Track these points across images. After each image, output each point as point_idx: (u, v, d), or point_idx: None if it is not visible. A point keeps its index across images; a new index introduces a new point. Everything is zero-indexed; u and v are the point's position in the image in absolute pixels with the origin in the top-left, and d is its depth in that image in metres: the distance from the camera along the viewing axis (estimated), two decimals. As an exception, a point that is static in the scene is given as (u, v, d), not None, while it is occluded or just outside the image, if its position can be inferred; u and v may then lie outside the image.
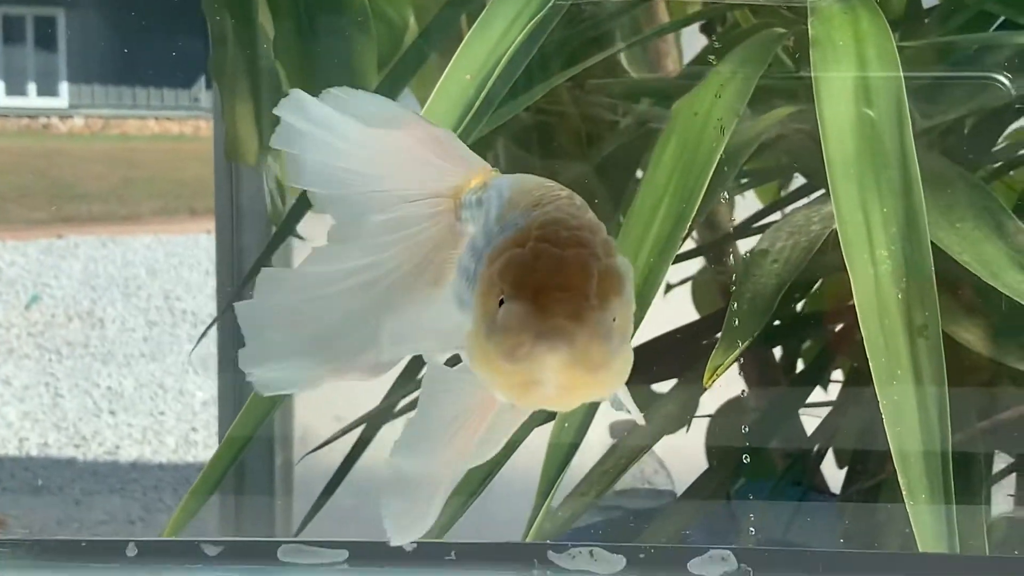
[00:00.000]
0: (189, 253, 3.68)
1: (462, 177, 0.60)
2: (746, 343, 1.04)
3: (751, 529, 1.12)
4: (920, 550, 0.98)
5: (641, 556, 0.94)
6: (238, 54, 1.45)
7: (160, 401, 2.82)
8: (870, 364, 0.94)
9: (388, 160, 0.61)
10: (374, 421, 1.30)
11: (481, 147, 1.29)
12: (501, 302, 0.53)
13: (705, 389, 1.04)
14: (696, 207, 1.12)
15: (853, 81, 1.06)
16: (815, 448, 1.23)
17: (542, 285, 0.52)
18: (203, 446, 2.62)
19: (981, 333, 1.18)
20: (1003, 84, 1.22)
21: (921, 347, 0.95)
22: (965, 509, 1.21)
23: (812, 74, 1.07)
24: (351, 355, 0.61)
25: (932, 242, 1.07)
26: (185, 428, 2.67)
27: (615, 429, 1.29)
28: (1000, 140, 1.34)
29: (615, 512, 1.29)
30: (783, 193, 1.35)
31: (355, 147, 0.61)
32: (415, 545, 0.92)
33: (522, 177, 0.59)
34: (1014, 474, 1.21)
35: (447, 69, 1.05)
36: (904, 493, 1.02)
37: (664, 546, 0.93)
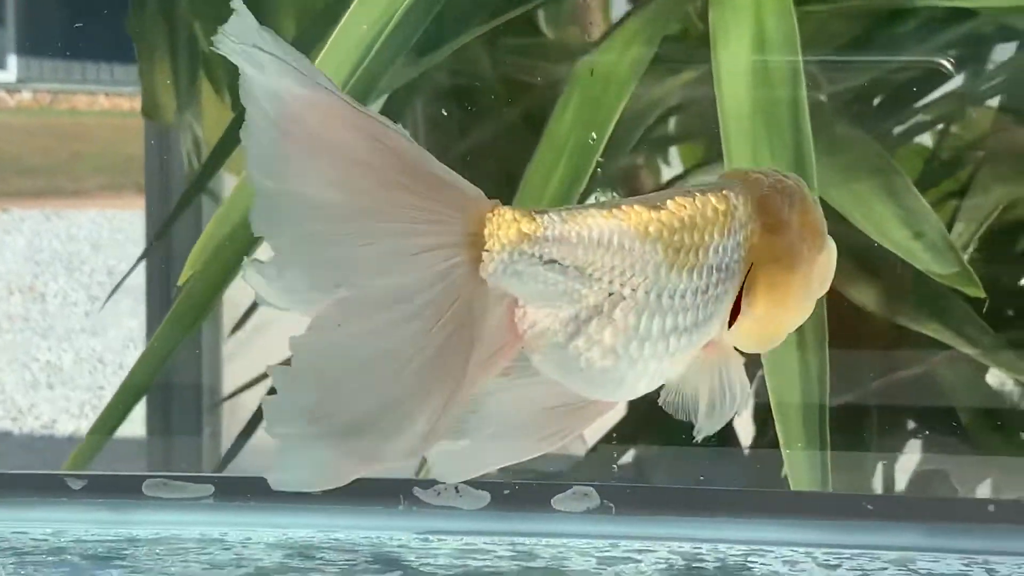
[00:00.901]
0: (134, 228, 3.65)
1: (469, 216, 0.55)
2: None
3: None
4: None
5: (506, 492, 0.95)
6: (157, 13, 1.45)
7: (99, 375, 2.80)
8: None
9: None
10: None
11: (397, 107, 1.29)
12: None
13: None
14: (592, 165, 1.13)
15: (750, 39, 1.07)
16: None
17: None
18: (141, 421, 2.61)
19: (876, 295, 1.19)
20: (947, 69, 1.24)
21: None
22: (854, 456, 1.23)
23: (711, 32, 1.08)
24: (381, 444, 0.55)
25: (827, 202, 1.08)
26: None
27: None
28: (918, 107, 1.35)
29: (528, 475, 1.30)
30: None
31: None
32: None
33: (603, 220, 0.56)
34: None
35: (343, 19, 1.05)
36: (781, 441, 1.04)
37: (528, 483, 0.94)
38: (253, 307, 1.36)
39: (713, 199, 0.59)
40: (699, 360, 0.59)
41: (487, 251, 0.54)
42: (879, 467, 1.32)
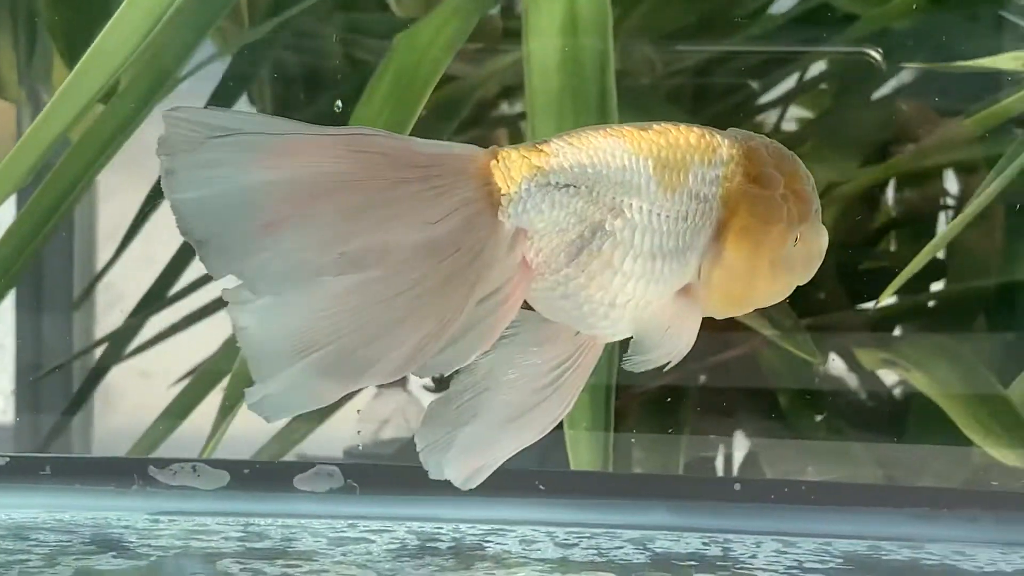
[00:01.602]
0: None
1: (468, 174, 0.59)
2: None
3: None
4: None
5: (246, 472, 0.93)
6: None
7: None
8: None
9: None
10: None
11: (239, 83, 1.27)
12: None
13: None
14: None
15: (560, 21, 1.06)
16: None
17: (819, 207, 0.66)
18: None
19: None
20: (875, 59, 1.23)
21: None
22: (664, 438, 1.23)
23: (523, 12, 1.07)
24: (368, 366, 0.58)
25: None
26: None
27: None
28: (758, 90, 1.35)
29: (375, 458, 1.29)
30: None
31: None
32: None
33: (602, 139, 0.61)
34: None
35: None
36: (564, 422, 1.03)
37: (270, 462, 0.92)
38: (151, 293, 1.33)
39: (696, 130, 0.64)
40: (672, 301, 0.63)
41: (504, 195, 0.59)
42: (682, 448, 1.32)
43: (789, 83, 1.37)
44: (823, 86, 1.43)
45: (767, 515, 0.96)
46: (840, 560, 0.91)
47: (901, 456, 1.31)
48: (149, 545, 0.85)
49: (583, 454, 1.05)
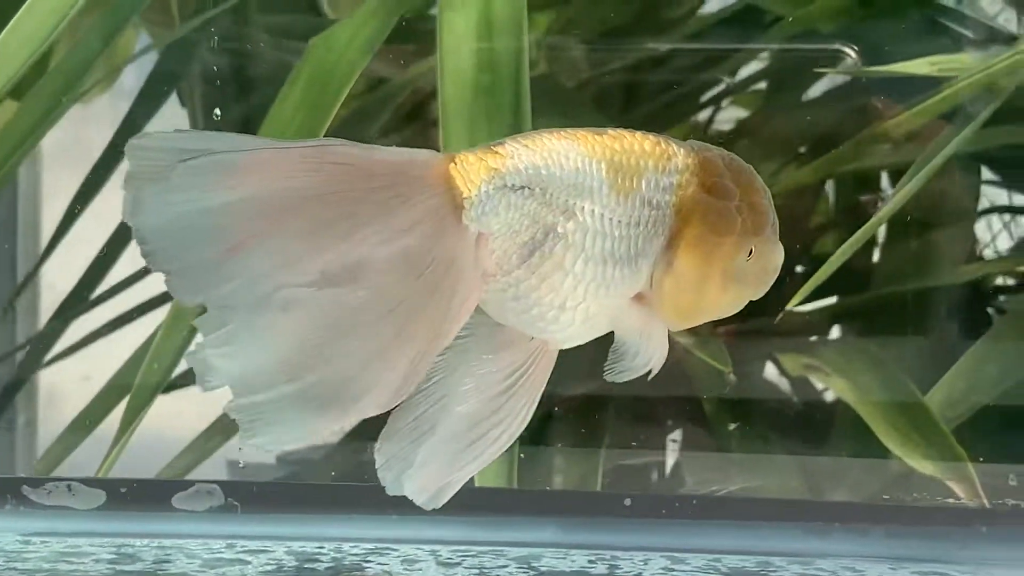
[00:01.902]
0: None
1: (429, 181, 0.59)
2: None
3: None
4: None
5: (123, 491, 0.91)
6: None
7: None
8: None
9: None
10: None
11: (163, 83, 1.26)
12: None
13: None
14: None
15: (476, 21, 1.05)
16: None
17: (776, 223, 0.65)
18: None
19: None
20: (851, 56, 1.22)
21: None
22: (582, 452, 1.21)
23: (438, 12, 1.06)
24: (361, 394, 0.57)
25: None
26: None
27: None
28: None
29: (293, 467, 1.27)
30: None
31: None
32: None
33: (556, 141, 0.62)
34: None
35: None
36: None
37: (149, 480, 0.90)
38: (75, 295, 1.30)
39: (651, 137, 0.63)
40: (627, 310, 0.63)
41: (466, 198, 0.59)
42: (601, 460, 1.30)
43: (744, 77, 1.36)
44: (759, 86, 1.42)
45: (657, 531, 0.95)
46: (726, 577, 0.90)
47: (825, 466, 1.30)
48: (15, 568, 0.83)
49: (489, 469, 1.04)
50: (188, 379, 1.14)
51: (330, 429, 0.57)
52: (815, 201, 1.37)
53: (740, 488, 1.24)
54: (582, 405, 1.24)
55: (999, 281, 1.39)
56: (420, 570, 0.89)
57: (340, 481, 1.01)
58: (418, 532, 0.94)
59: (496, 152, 0.60)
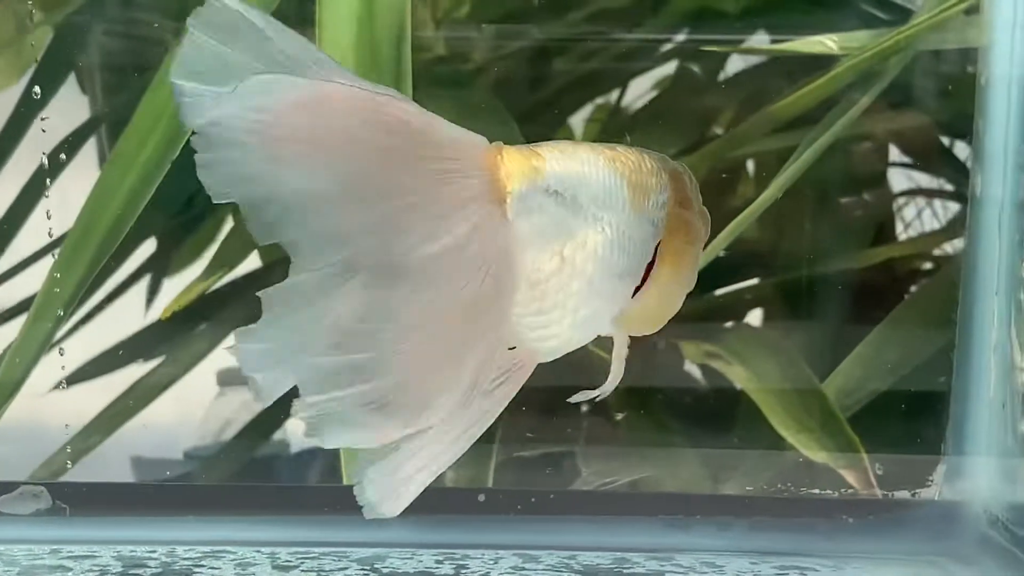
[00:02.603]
0: None
1: (482, 165, 0.57)
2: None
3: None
4: (346, 483, 0.93)
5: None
6: None
7: None
8: None
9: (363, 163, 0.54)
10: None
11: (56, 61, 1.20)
12: None
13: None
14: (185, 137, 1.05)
15: (359, 3, 1.00)
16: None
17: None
18: None
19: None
20: (830, 47, 1.18)
21: None
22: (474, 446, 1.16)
23: None
24: (427, 403, 0.57)
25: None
26: None
27: (224, 376, 1.23)
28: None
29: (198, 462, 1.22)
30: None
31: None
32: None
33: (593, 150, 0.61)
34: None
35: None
36: None
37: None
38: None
39: (647, 156, 0.63)
40: (608, 326, 0.64)
41: (510, 192, 0.57)
42: (494, 452, 1.26)
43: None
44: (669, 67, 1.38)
45: (511, 528, 0.91)
46: (579, 575, 0.85)
47: (726, 456, 1.26)
48: None
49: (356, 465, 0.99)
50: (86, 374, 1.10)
51: (400, 433, 0.57)
52: (735, 182, 1.33)
53: (638, 479, 1.20)
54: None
55: (915, 265, 1.36)
56: (253, 574, 0.84)
57: (178, 481, 0.95)
58: (256, 533, 0.89)
59: (537, 152, 0.59)
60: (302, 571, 0.85)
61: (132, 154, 1.01)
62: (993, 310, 0.95)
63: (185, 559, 0.86)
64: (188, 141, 1.06)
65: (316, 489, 0.94)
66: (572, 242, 0.60)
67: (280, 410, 1.16)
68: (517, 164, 0.58)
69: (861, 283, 1.28)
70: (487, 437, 1.18)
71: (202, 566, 0.85)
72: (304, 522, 0.90)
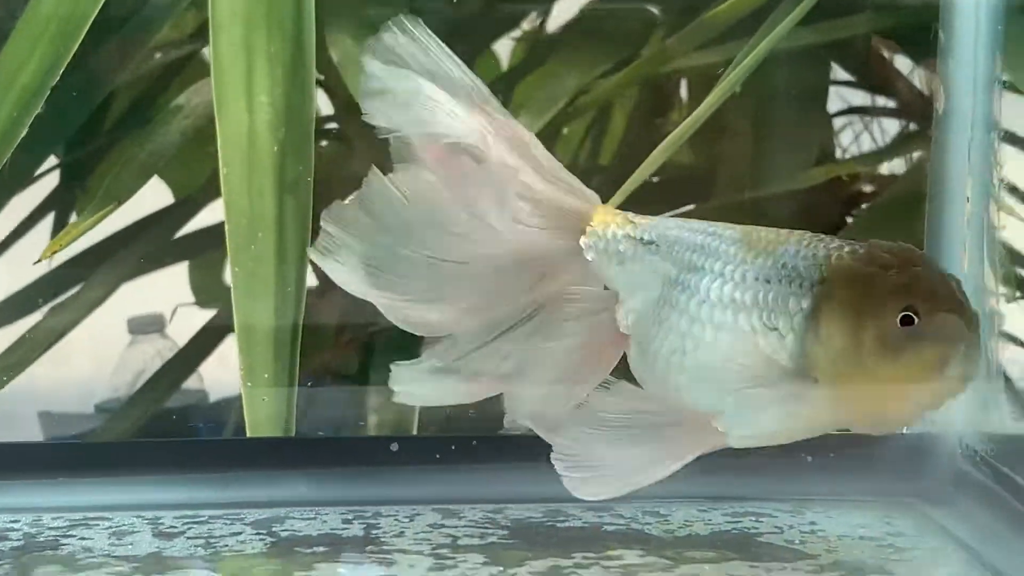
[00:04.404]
0: None
1: (579, 202, 0.68)
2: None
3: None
4: (249, 435, 0.82)
5: None
6: None
7: None
8: (226, 226, 0.84)
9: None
10: None
11: None
12: (905, 319, 0.60)
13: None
14: (67, 61, 0.91)
15: None
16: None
17: (959, 301, 0.62)
18: None
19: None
20: None
21: (289, 205, 0.85)
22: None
23: None
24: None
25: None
26: None
27: (135, 324, 1.15)
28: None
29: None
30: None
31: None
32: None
33: (683, 220, 0.68)
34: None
35: None
36: (242, 375, 0.86)
37: None
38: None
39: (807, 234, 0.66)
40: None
41: (589, 234, 0.68)
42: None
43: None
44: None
45: (428, 480, 0.80)
46: (506, 531, 0.75)
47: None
48: None
49: (261, 412, 0.87)
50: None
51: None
52: (669, 105, 1.23)
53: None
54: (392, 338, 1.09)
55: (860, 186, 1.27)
56: (130, 544, 0.73)
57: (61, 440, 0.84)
58: (137, 497, 0.78)
59: (636, 218, 0.68)
60: (188, 538, 0.74)
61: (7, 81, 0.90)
62: (964, 237, 0.86)
63: (52, 528, 0.75)
64: (70, 67, 0.95)
65: (205, 443, 0.83)
66: (673, 285, 0.66)
67: (198, 354, 1.06)
68: (610, 217, 0.68)
69: (806, 206, 1.19)
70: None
71: (71, 536, 0.74)
72: (191, 481, 0.79)
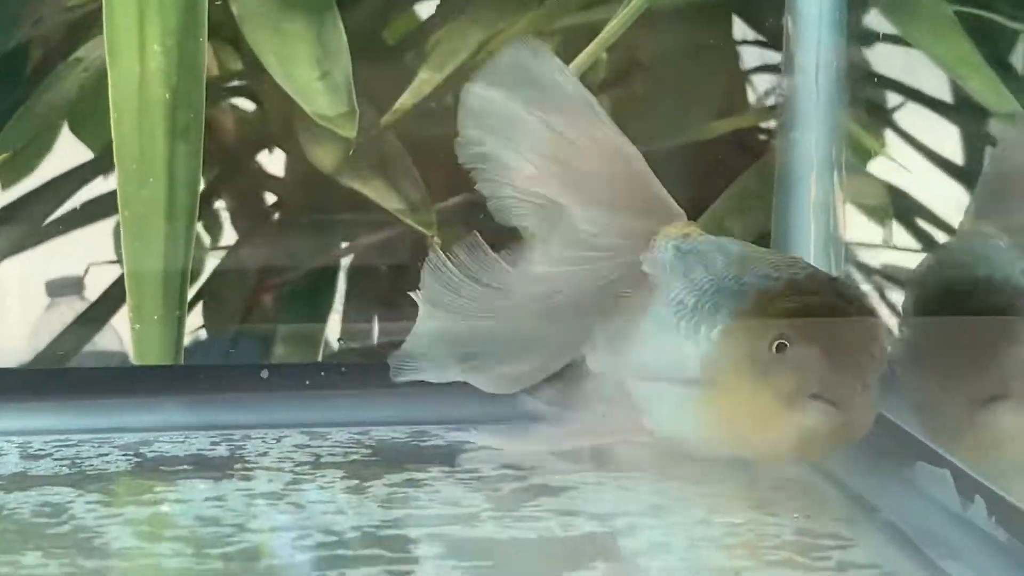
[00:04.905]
0: None
1: (658, 221, 0.71)
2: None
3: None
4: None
5: None
6: None
7: None
8: (116, 171, 0.86)
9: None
10: None
11: None
12: (779, 346, 0.62)
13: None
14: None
15: None
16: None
17: (835, 337, 0.61)
18: None
19: (335, 154, 1.04)
20: None
21: (180, 151, 0.86)
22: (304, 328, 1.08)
23: None
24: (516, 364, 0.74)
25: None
26: None
27: (53, 287, 1.17)
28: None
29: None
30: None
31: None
32: None
33: (734, 240, 0.71)
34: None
35: None
36: (130, 315, 0.87)
37: None
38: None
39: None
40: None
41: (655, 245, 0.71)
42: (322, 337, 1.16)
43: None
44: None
45: (297, 405, 0.82)
46: (369, 451, 0.77)
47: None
48: None
49: (150, 344, 0.89)
50: None
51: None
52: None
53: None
54: (302, 284, 1.11)
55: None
56: (-2, 465, 0.74)
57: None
58: (8, 424, 0.79)
59: (695, 232, 0.71)
60: (55, 460, 0.75)
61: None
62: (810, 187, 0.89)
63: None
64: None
65: (78, 372, 0.85)
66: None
67: (109, 310, 1.06)
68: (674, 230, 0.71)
69: (707, 158, 1.20)
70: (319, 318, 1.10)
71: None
72: (62, 408, 0.81)
